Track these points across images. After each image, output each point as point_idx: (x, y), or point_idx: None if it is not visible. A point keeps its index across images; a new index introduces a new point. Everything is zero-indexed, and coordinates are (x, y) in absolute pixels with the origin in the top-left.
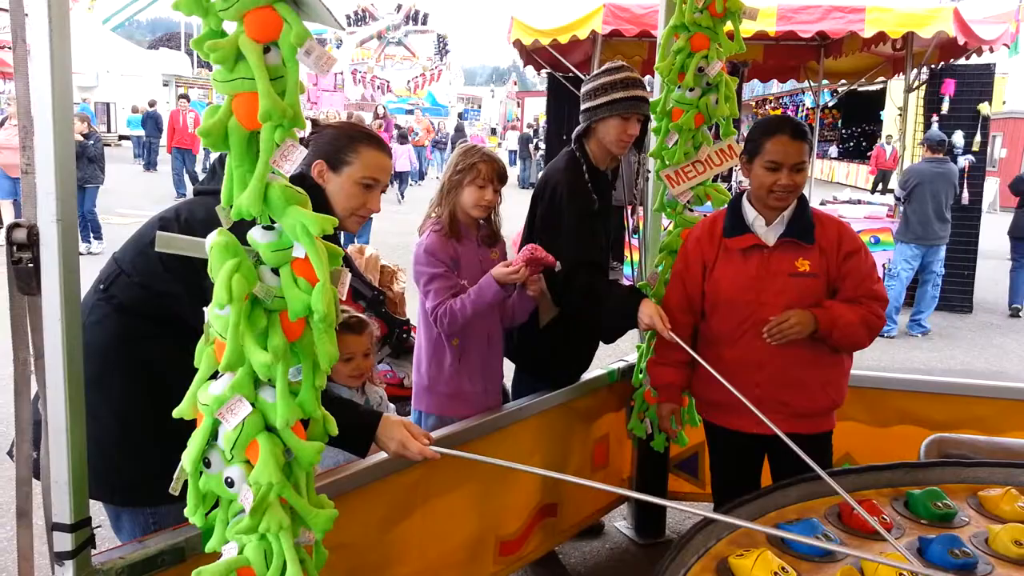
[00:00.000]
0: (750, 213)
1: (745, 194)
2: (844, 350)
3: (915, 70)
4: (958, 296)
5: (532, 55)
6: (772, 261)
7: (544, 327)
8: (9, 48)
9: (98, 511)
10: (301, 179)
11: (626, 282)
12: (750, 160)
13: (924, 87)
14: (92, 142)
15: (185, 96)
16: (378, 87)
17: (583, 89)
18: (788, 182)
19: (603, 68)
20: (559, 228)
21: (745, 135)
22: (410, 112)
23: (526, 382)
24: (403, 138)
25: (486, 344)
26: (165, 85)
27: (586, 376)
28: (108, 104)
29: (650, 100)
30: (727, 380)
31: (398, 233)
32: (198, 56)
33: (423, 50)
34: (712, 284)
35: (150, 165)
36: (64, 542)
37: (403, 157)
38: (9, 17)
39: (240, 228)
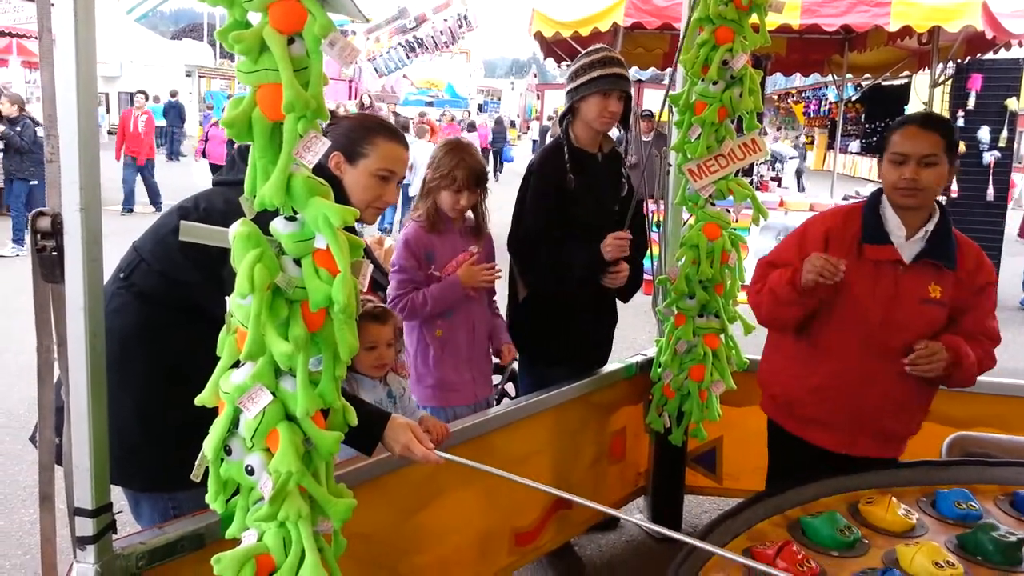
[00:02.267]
0: (891, 218)
1: (884, 194)
2: (949, 387)
3: (941, 64)
4: None
5: (553, 47)
6: (906, 281)
7: (522, 303)
8: (35, 37)
9: (118, 496)
10: (319, 170)
11: (646, 277)
12: (881, 155)
13: (950, 82)
14: (19, 128)
15: (143, 93)
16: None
17: (566, 76)
18: (913, 176)
19: (583, 53)
20: (526, 210)
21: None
22: (430, 104)
23: (525, 364)
24: (471, 126)
25: (471, 334)
26: (188, 75)
27: (604, 369)
28: (132, 94)
29: (630, 77)
30: (826, 393)
31: None
32: (221, 47)
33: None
34: (836, 291)
35: (173, 155)
36: (86, 527)
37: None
38: (36, 7)
39: (263, 218)
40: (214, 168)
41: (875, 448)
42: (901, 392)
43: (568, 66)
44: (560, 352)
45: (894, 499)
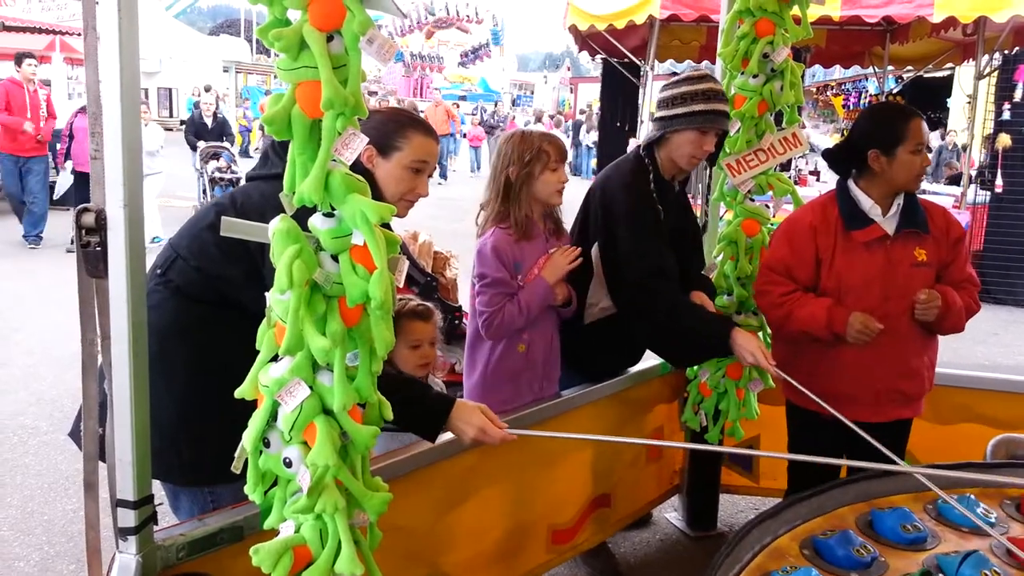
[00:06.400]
0: (865, 201)
1: (851, 182)
2: (944, 333)
3: (987, 56)
4: None
5: (587, 40)
6: (894, 252)
7: (590, 324)
8: (79, 35)
9: (157, 488)
10: (352, 165)
11: None
12: (889, 150)
13: (996, 73)
14: None
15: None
16: (429, 67)
17: (660, 96)
18: (926, 162)
19: (684, 76)
20: (630, 234)
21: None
22: (463, 98)
23: (568, 376)
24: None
25: (549, 345)
26: (225, 71)
27: (638, 367)
28: (170, 89)
29: (731, 115)
30: (848, 372)
31: (451, 219)
32: (257, 42)
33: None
34: (834, 278)
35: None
36: (128, 518)
37: None
38: (81, 6)
39: (302, 214)
40: (81, 177)
41: (898, 410)
42: (908, 353)
43: (603, 59)
44: (606, 366)
45: None
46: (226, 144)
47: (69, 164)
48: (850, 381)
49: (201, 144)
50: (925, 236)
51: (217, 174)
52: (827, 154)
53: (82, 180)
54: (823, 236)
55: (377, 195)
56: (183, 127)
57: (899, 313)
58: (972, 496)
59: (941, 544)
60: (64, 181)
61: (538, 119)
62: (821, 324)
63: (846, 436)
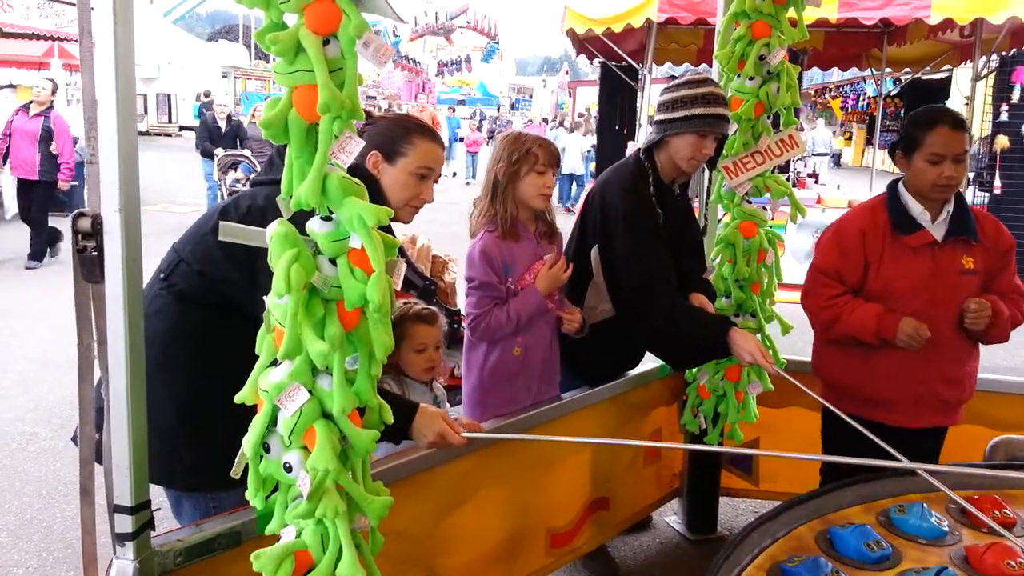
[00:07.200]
0: (915, 207)
1: (900, 185)
2: (988, 343)
3: (984, 57)
4: None
5: (585, 44)
6: (942, 259)
7: (590, 327)
8: (75, 41)
9: (156, 493)
10: (353, 170)
11: None
12: (908, 154)
13: (993, 75)
14: None
15: None
16: (409, 70)
17: (659, 99)
18: (952, 174)
19: (684, 79)
20: (629, 237)
21: (898, 128)
22: (461, 102)
23: (568, 378)
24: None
25: (548, 349)
26: (224, 77)
27: (638, 370)
28: (169, 95)
29: (730, 118)
30: (889, 375)
31: (449, 223)
32: (256, 48)
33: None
34: (881, 281)
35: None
36: (125, 524)
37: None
38: (77, 11)
39: (300, 218)
40: (23, 185)
41: (936, 417)
42: (951, 362)
43: (601, 62)
44: (605, 368)
45: None
46: (245, 152)
47: (8, 173)
48: (890, 385)
49: (219, 152)
50: (974, 244)
51: (237, 186)
52: (891, 149)
53: (22, 187)
54: (872, 239)
55: (383, 201)
56: (182, 133)
57: (944, 319)
58: (924, 504)
59: (904, 560)
60: (8, 192)
61: (560, 123)
62: (870, 330)
63: (881, 437)
